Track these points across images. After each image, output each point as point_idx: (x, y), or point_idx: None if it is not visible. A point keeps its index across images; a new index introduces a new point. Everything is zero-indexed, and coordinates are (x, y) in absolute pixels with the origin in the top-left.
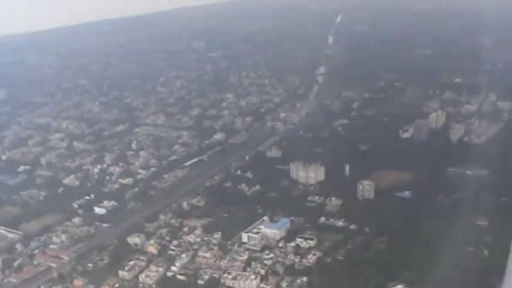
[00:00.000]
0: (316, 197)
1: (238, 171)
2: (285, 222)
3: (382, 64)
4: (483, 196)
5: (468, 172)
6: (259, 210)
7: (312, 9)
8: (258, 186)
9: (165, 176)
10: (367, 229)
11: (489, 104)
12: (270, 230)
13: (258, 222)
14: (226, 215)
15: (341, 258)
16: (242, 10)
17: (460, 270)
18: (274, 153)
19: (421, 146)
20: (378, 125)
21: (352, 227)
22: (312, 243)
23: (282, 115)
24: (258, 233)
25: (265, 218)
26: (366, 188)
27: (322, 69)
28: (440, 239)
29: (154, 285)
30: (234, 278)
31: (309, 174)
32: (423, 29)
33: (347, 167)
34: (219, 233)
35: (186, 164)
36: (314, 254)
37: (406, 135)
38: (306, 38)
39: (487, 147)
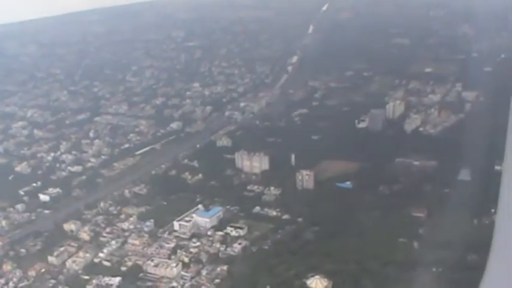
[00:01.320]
0: (256, 187)
1: (185, 160)
2: (217, 211)
3: (356, 53)
4: (426, 187)
5: (415, 163)
6: (198, 199)
7: None
8: (200, 175)
9: (115, 164)
10: (300, 219)
11: (454, 94)
12: (201, 219)
13: (192, 210)
14: (165, 203)
15: (267, 247)
16: (230, 0)
17: (383, 262)
18: (224, 142)
19: (375, 136)
20: (336, 115)
21: (285, 216)
22: (242, 232)
23: (242, 105)
24: (189, 221)
25: (200, 206)
26: (305, 178)
27: (294, 59)
28: (372, 230)
29: (79, 271)
30: (156, 265)
31: (254, 163)
32: (405, 18)
33: (293, 157)
34: (152, 220)
35: (138, 152)
36: (240, 243)
37: (362, 125)
38: (286, 28)
39: (440, 137)
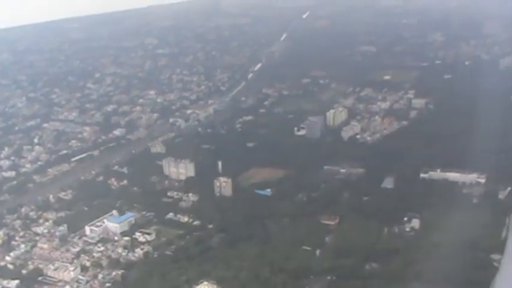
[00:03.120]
0: (176, 193)
1: (116, 167)
2: (129, 217)
3: (319, 61)
4: (345, 195)
5: (342, 170)
6: (117, 205)
7: (286, 6)
8: (125, 181)
9: (49, 170)
10: (210, 226)
11: (404, 101)
12: (111, 224)
13: (106, 215)
14: (86, 208)
15: (169, 253)
16: (214, 8)
17: (278, 269)
18: (158, 149)
19: (311, 144)
20: (279, 122)
21: (196, 223)
22: (149, 237)
23: (189, 112)
24: (100, 226)
25: (114, 212)
26: (222, 185)
27: (258, 66)
28: (277, 237)
29: None
30: (56, 269)
31: (180, 170)
32: (378, 26)
33: (219, 164)
34: (65, 225)
35: (74, 159)
36: (142, 249)
37: (301, 132)
38: (260, 35)
39: (375, 145)
